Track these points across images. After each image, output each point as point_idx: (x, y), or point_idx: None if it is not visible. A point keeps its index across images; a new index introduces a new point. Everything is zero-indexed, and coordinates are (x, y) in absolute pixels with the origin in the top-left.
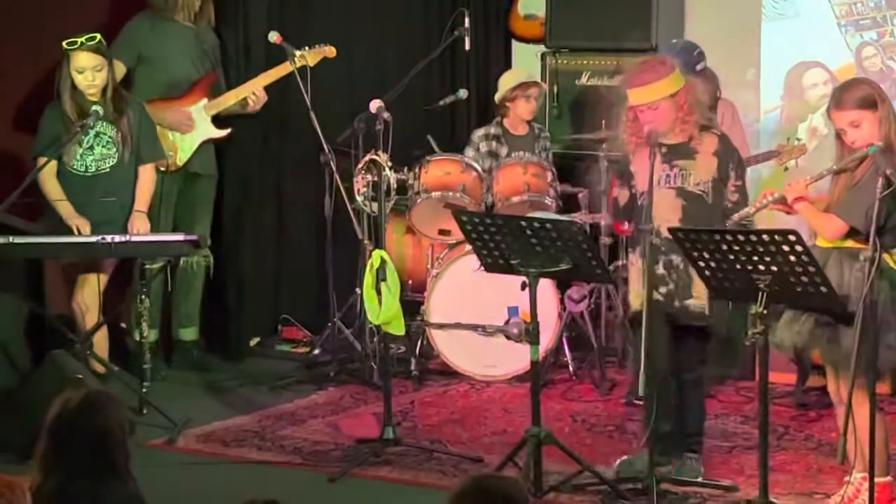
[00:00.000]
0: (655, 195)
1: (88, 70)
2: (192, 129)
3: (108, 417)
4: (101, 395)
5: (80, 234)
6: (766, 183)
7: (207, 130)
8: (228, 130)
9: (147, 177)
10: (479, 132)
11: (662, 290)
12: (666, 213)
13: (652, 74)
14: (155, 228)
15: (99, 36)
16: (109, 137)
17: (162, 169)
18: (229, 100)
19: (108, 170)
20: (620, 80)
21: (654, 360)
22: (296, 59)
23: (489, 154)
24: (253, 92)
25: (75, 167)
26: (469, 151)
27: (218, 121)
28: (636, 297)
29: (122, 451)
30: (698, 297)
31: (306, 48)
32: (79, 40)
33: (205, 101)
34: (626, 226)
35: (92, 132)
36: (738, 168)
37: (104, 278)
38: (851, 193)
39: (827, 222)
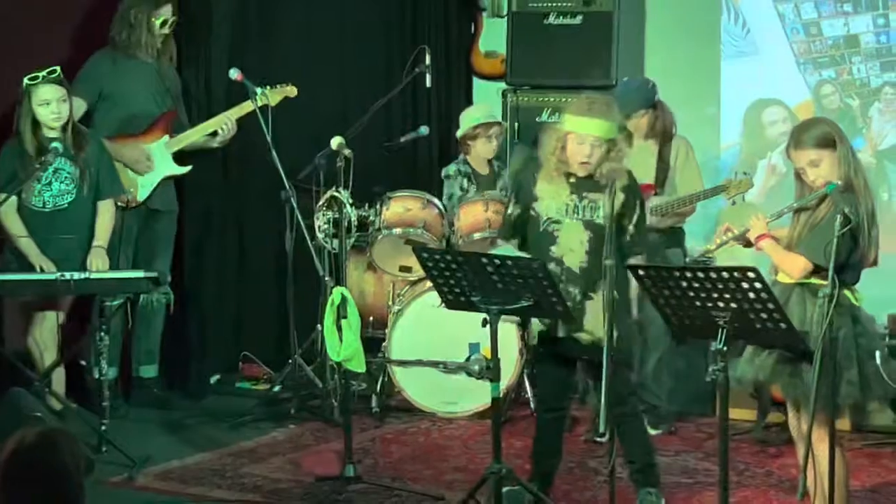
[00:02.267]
0: (563, 225)
1: (53, 102)
2: (151, 169)
3: (64, 456)
4: (57, 433)
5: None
6: (724, 217)
7: (168, 167)
8: (189, 167)
9: (106, 212)
10: (451, 168)
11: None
12: (571, 243)
13: (607, 112)
14: (115, 265)
15: (59, 69)
16: (68, 173)
17: (122, 205)
18: (191, 137)
19: (66, 206)
20: (570, 105)
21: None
22: (257, 97)
23: (461, 190)
24: (224, 123)
25: (33, 203)
26: (453, 185)
27: (180, 157)
28: (535, 327)
29: (77, 490)
30: (589, 332)
31: (268, 87)
32: (40, 75)
33: (166, 137)
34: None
35: (50, 168)
36: (641, 205)
37: (62, 316)
38: (815, 232)
39: (791, 261)
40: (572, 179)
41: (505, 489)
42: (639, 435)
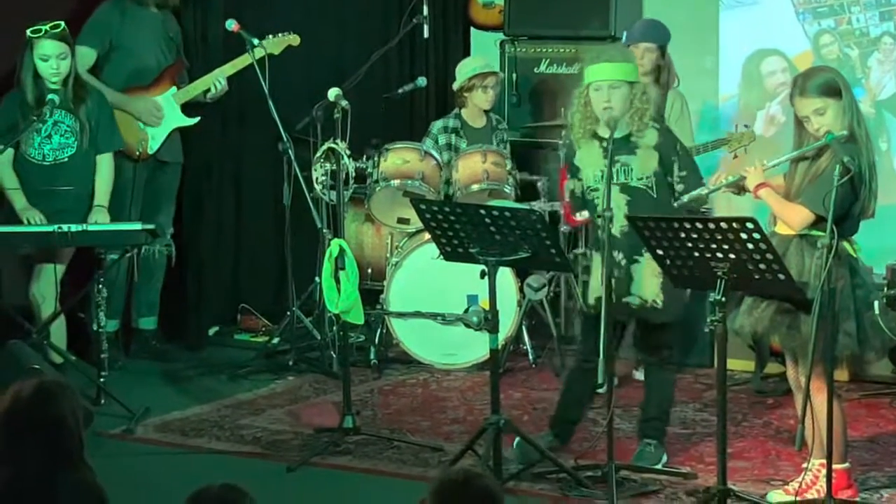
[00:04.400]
0: (600, 192)
1: (53, 58)
2: (160, 121)
3: (61, 406)
4: (54, 384)
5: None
6: (729, 168)
7: (178, 119)
8: (198, 119)
9: (106, 167)
10: (437, 124)
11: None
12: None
13: (619, 56)
14: (125, 217)
15: (63, 24)
16: (68, 126)
17: (133, 157)
18: (198, 88)
19: (66, 159)
20: (585, 61)
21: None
22: (255, 49)
23: (448, 146)
24: (217, 80)
25: (33, 156)
26: (428, 143)
27: (185, 108)
28: (592, 292)
29: (75, 440)
30: (638, 296)
31: (270, 36)
32: (43, 28)
33: (174, 89)
34: (578, 217)
35: (50, 121)
36: (682, 159)
37: (61, 268)
38: (817, 182)
39: (793, 211)
40: (605, 143)
41: (517, 439)
42: (662, 387)
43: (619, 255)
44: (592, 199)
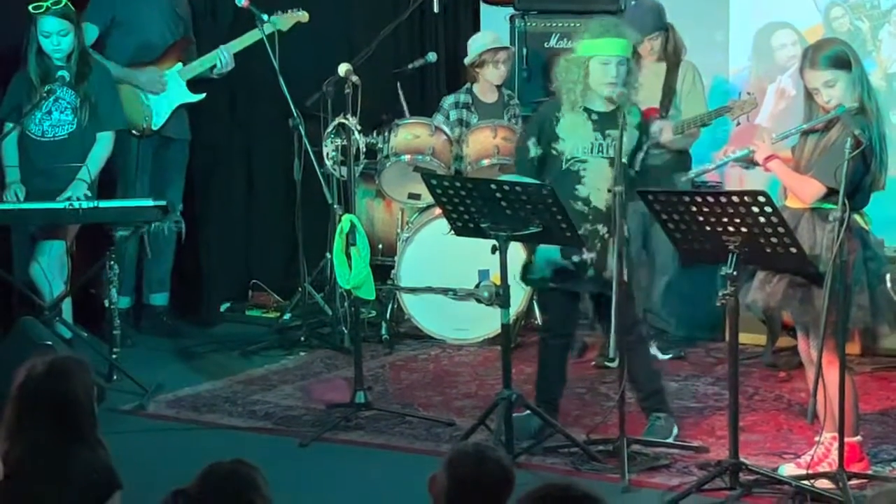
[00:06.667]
0: (588, 164)
1: (54, 34)
2: (164, 89)
3: (73, 383)
4: (67, 360)
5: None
6: (735, 141)
7: (183, 95)
8: (203, 95)
9: (101, 145)
10: (448, 99)
11: (576, 257)
12: (598, 182)
13: (625, 31)
14: (132, 193)
15: (65, 0)
16: (68, 103)
17: (137, 134)
18: (203, 64)
19: (65, 136)
20: (585, 32)
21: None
22: (264, 26)
23: (459, 122)
24: (221, 55)
25: (33, 132)
26: (438, 118)
27: (191, 84)
28: (548, 264)
29: (87, 417)
30: (612, 268)
31: (279, 13)
32: (44, 4)
33: (180, 65)
34: None
35: (52, 97)
36: (646, 146)
37: (69, 244)
38: (828, 155)
39: (804, 184)
40: (594, 117)
41: (514, 415)
42: (644, 361)
43: (602, 229)
44: (577, 171)
